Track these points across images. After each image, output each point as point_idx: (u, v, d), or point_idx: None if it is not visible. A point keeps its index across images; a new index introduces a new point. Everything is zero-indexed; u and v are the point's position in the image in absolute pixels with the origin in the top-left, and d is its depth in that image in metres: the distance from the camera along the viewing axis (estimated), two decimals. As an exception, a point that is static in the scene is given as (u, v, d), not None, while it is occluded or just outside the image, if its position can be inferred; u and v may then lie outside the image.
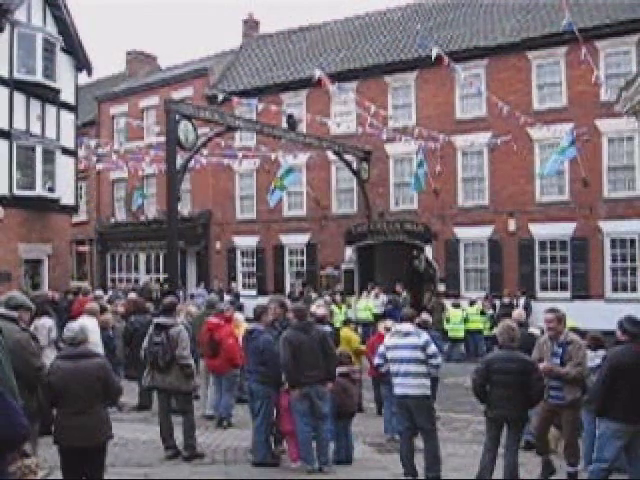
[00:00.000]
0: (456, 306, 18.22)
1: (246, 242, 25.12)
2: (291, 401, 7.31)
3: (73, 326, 5.57)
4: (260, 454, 7.42)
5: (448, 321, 17.76)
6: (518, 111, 18.53)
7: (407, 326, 7.05)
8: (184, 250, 24.30)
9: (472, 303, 18.18)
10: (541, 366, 6.87)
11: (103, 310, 11.42)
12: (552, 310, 7.19)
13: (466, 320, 17.69)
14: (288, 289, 23.14)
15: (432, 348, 6.85)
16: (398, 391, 6.91)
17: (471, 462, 6.91)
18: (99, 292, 15.84)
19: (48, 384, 5.26)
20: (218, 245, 25.77)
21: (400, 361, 6.87)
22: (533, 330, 9.27)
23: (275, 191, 19.71)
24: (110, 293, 19.27)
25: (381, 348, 7.31)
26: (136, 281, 27.79)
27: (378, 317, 16.95)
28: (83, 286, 15.75)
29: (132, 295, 14.81)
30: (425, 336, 6.97)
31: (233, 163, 23.81)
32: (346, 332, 10.76)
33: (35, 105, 19.17)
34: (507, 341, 6.59)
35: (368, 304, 18.60)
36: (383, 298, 18.79)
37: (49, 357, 7.16)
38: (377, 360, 7.38)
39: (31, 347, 5.45)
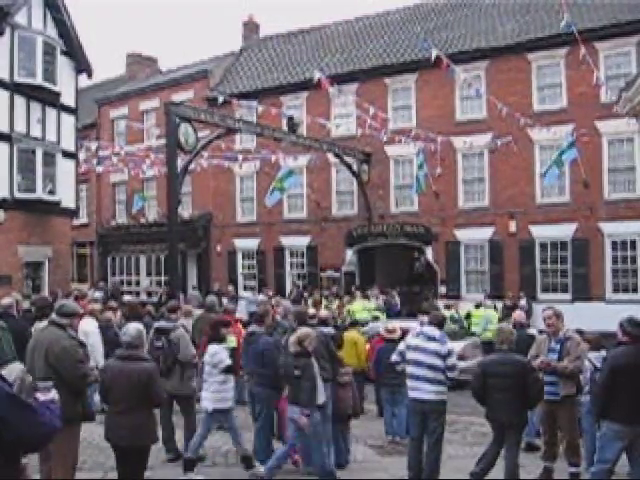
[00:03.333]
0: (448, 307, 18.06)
1: (247, 244, 25.14)
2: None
3: (130, 331, 5.71)
4: (261, 456, 7.41)
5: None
6: (518, 112, 18.54)
7: (433, 331, 6.88)
8: (185, 252, 24.30)
9: (478, 306, 17.99)
10: (538, 361, 6.92)
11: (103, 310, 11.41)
12: (550, 307, 7.41)
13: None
14: (288, 291, 23.14)
15: (452, 359, 6.73)
16: (414, 395, 6.77)
17: (472, 464, 6.90)
18: (97, 294, 15.79)
19: (102, 381, 5.59)
20: (219, 247, 25.78)
21: (419, 364, 6.73)
22: (534, 332, 9.27)
23: (274, 192, 19.72)
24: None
25: (401, 346, 7.16)
26: (137, 283, 27.85)
27: (378, 319, 16.93)
28: (82, 289, 15.64)
29: (97, 295, 14.28)
30: (449, 345, 6.82)
31: (233, 165, 23.84)
32: (353, 335, 10.68)
33: (35, 108, 19.18)
34: (500, 344, 6.59)
35: (366, 306, 18.48)
36: (381, 300, 18.76)
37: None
38: (395, 357, 7.25)
39: (78, 354, 5.59)
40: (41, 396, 3.56)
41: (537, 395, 6.51)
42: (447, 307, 17.72)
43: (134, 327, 5.84)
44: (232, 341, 8.16)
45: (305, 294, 20.78)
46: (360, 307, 18.16)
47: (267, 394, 7.51)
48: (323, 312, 10.08)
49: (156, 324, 8.07)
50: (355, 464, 7.78)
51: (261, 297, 19.45)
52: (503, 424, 6.48)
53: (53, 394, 3.64)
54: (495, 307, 17.89)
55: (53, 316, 5.82)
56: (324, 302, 17.41)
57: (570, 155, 16.82)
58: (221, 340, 7.26)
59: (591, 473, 6.17)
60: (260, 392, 7.54)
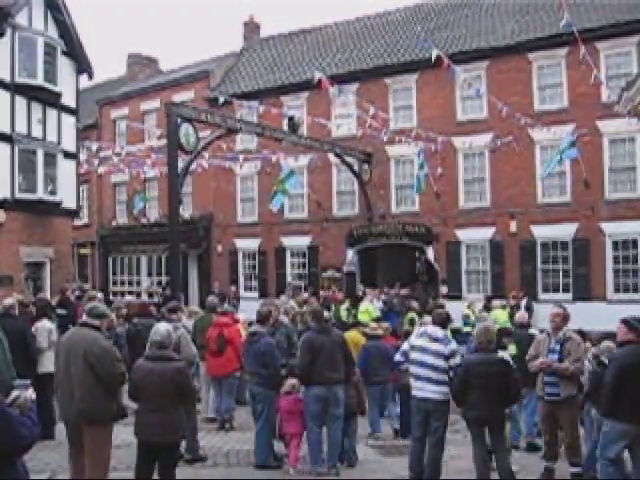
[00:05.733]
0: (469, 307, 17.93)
1: (248, 244, 25.14)
2: (305, 402, 7.27)
3: (161, 330, 5.83)
4: (262, 457, 7.42)
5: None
6: (519, 112, 18.52)
7: (437, 331, 6.86)
8: (186, 253, 24.31)
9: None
10: (539, 362, 6.90)
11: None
12: (560, 306, 7.36)
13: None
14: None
15: (456, 360, 6.70)
16: (418, 394, 6.78)
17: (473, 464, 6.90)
18: (98, 295, 15.73)
19: (130, 381, 5.74)
20: (220, 248, 25.78)
21: (422, 365, 6.74)
22: (534, 332, 9.26)
23: (277, 195, 19.70)
24: None
25: (405, 346, 7.18)
26: (138, 284, 27.86)
27: (379, 320, 16.88)
28: (93, 293, 15.66)
29: (99, 295, 14.24)
30: (452, 346, 6.79)
31: (234, 166, 23.84)
32: (354, 335, 10.69)
33: (36, 108, 19.18)
34: (484, 344, 6.57)
35: (368, 308, 18.38)
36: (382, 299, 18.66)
37: (50, 359, 7.19)
38: (398, 357, 7.28)
39: (115, 353, 5.74)
40: (17, 393, 3.54)
41: (515, 395, 6.64)
42: (469, 307, 17.53)
43: (164, 327, 5.93)
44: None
45: (306, 294, 20.77)
46: (363, 309, 18.09)
47: (267, 394, 7.50)
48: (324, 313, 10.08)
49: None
50: (357, 464, 7.78)
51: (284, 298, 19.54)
52: (484, 420, 6.48)
53: (30, 392, 3.62)
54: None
55: (85, 318, 5.95)
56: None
57: (570, 154, 16.80)
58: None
59: (599, 471, 6.07)
60: (260, 392, 7.53)
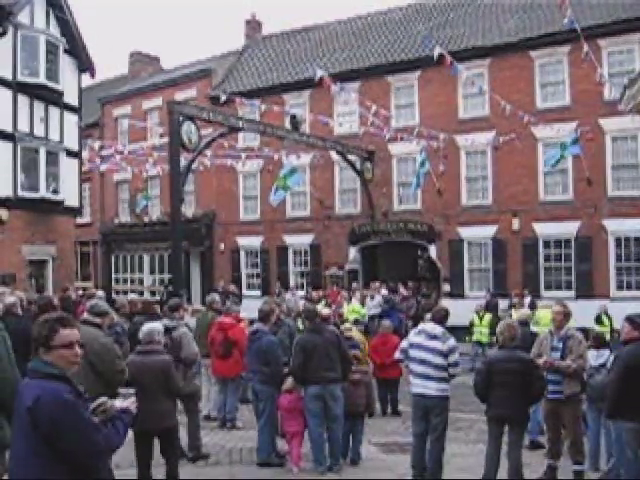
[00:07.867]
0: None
1: (250, 243, 25.14)
2: (304, 401, 7.29)
3: (147, 326, 6.35)
4: (264, 454, 7.42)
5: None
6: (521, 110, 18.48)
7: (435, 328, 6.86)
8: (188, 251, 24.32)
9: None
10: (541, 361, 6.88)
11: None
12: (561, 304, 7.29)
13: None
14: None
15: (454, 357, 6.70)
16: (417, 390, 6.80)
17: (476, 462, 6.90)
18: (99, 293, 15.78)
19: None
20: (222, 246, 25.79)
21: (421, 362, 6.75)
22: (536, 329, 9.24)
23: (278, 191, 19.68)
24: None
25: (404, 343, 7.19)
26: (140, 282, 27.88)
27: (378, 317, 16.84)
28: (93, 291, 15.71)
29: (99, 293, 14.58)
30: (450, 343, 6.77)
31: (236, 164, 23.83)
32: (354, 334, 10.69)
33: (39, 107, 19.21)
34: (507, 341, 6.56)
35: (355, 307, 18.25)
36: (379, 299, 18.61)
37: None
38: (398, 355, 7.31)
39: (116, 350, 5.85)
40: (117, 403, 3.41)
41: (539, 393, 6.54)
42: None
43: (148, 325, 6.41)
44: None
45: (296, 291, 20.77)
46: (350, 309, 17.99)
47: (270, 392, 7.50)
48: (325, 310, 10.06)
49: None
50: (360, 462, 7.77)
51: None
52: (504, 420, 6.47)
53: (129, 402, 3.47)
54: (497, 307, 17.58)
55: (86, 315, 6.07)
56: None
57: (573, 151, 16.77)
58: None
59: (625, 474, 5.96)
60: (263, 390, 7.53)
